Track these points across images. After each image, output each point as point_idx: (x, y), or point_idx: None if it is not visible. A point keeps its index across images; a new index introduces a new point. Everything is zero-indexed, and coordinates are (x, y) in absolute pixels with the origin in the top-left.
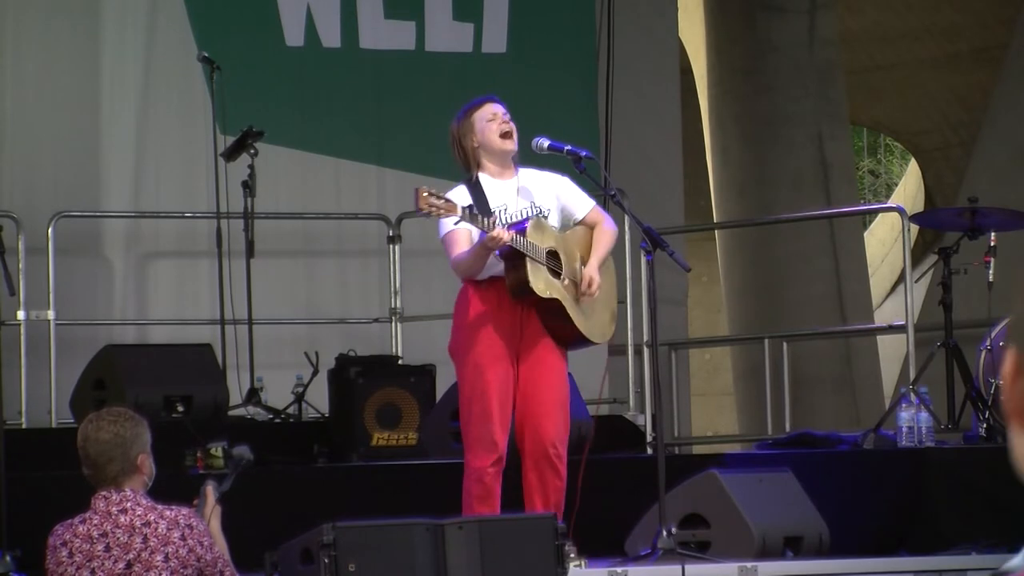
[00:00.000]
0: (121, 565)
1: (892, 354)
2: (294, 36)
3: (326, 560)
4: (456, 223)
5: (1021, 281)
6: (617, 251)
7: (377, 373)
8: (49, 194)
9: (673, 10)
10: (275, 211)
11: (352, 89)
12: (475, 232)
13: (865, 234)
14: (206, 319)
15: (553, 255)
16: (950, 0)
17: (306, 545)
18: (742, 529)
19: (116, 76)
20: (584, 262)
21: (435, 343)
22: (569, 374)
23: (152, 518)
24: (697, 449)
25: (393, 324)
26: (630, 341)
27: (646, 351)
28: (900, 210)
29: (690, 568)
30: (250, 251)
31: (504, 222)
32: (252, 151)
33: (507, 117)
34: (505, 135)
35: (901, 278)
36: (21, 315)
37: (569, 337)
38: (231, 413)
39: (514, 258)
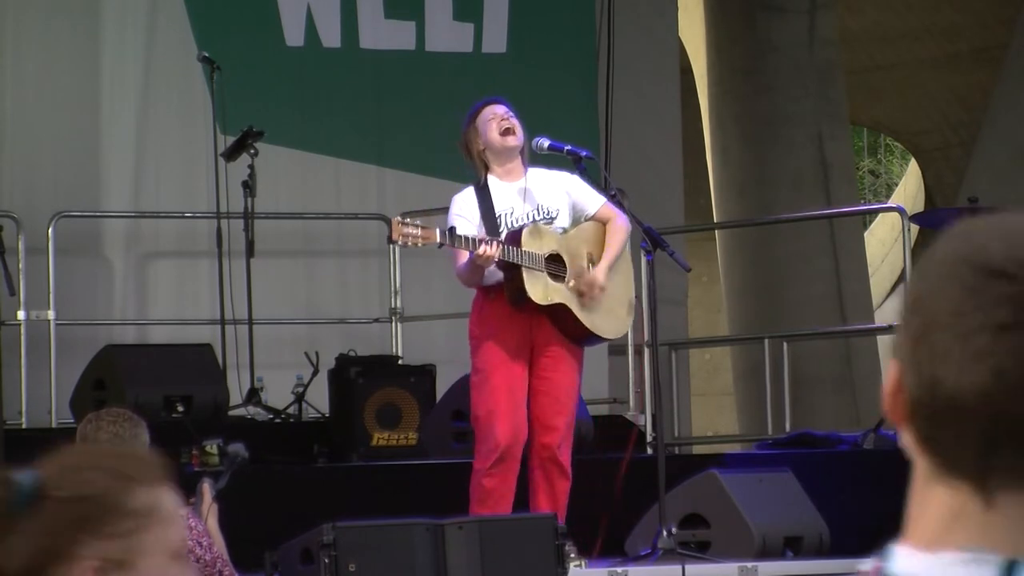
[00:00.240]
0: None
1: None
2: (294, 36)
3: (326, 560)
4: (439, 246)
5: (912, 294)
6: None
7: (377, 373)
8: (49, 194)
9: (673, 10)
10: (275, 211)
11: (352, 89)
12: (482, 232)
13: (865, 234)
14: (206, 319)
15: (555, 258)
16: (950, 0)
17: (306, 545)
18: (742, 529)
19: (116, 76)
20: (593, 259)
21: (435, 343)
22: None
23: None
24: (697, 449)
25: (393, 324)
26: (630, 341)
27: (646, 351)
28: (900, 210)
29: (690, 568)
30: (250, 251)
31: (510, 226)
32: (252, 151)
33: (508, 115)
34: (505, 132)
35: (901, 278)
36: (21, 315)
37: (582, 336)
38: (231, 413)
39: (510, 269)
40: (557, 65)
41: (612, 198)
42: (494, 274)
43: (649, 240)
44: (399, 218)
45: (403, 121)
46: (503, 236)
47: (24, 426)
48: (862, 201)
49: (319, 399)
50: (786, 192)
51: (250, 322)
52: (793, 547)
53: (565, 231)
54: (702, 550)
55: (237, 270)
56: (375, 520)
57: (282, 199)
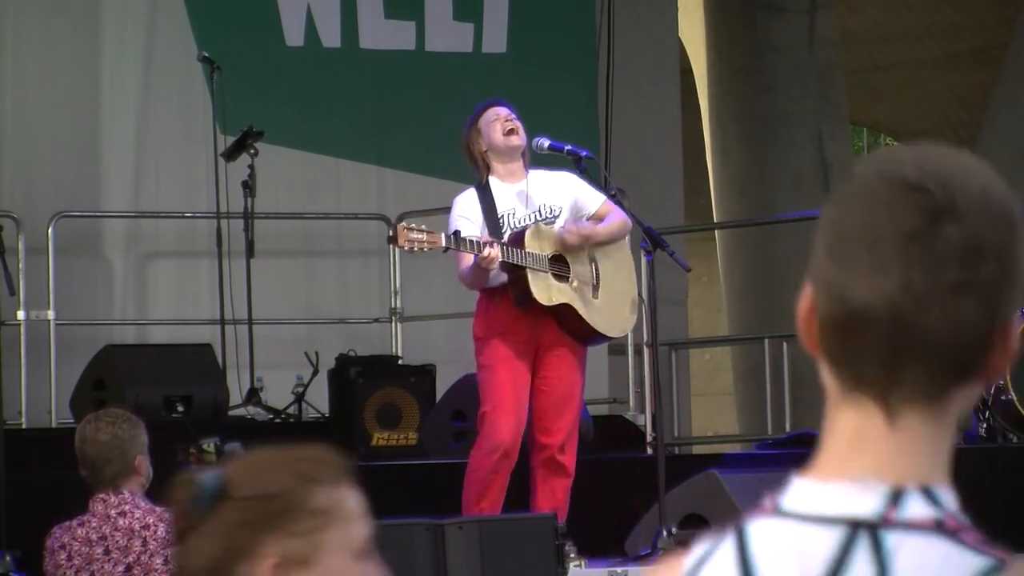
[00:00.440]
0: (121, 568)
1: None
2: (294, 36)
3: None
4: (444, 251)
5: (827, 212)
6: None
7: (377, 373)
8: (49, 194)
9: (673, 10)
10: (275, 211)
11: (352, 89)
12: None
13: None
14: (206, 319)
15: (558, 259)
16: (950, 0)
17: None
18: None
19: (116, 76)
20: (594, 258)
21: (435, 343)
22: None
23: (151, 520)
24: (697, 449)
25: (393, 324)
26: (630, 341)
27: (646, 351)
28: None
29: None
30: (250, 251)
31: (512, 227)
32: (252, 151)
33: (511, 117)
34: (509, 132)
35: None
36: (21, 315)
37: (586, 335)
38: (231, 413)
39: (514, 271)
40: (557, 65)
41: (612, 198)
42: (498, 276)
43: (649, 240)
44: (404, 224)
45: (403, 121)
46: (506, 237)
47: (24, 426)
48: None
49: (319, 399)
50: (786, 192)
51: (250, 322)
52: None
53: None
54: None
55: (237, 270)
56: (375, 520)
57: (282, 199)
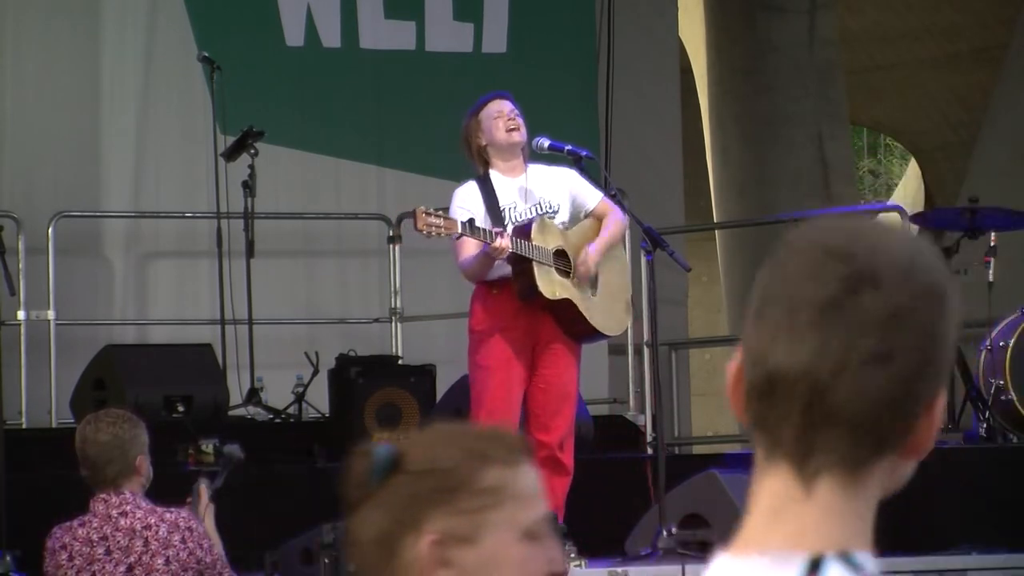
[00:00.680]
0: (122, 568)
1: None
2: (294, 36)
3: (326, 560)
4: (457, 238)
5: (759, 278)
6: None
7: (377, 373)
8: (49, 194)
9: (673, 10)
10: (275, 211)
11: (352, 89)
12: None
13: None
14: (206, 319)
15: (560, 254)
16: (950, 0)
17: (306, 545)
18: None
19: (116, 76)
20: None
21: (435, 343)
22: None
23: (152, 521)
24: (697, 449)
25: (393, 324)
26: (630, 341)
27: (646, 351)
28: (900, 210)
29: (690, 568)
30: (250, 251)
31: (513, 220)
32: (252, 151)
33: (513, 113)
34: (511, 130)
35: None
36: (21, 315)
37: (583, 333)
38: (231, 413)
39: (520, 263)
40: (557, 65)
41: (612, 198)
42: (499, 268)
43: (649, 240)
44: (423, 208)
45: (403, 121)
46: (510, 229)
47: (24, 426)
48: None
49: (319, 399)
50: (786, 192)
51: (250, 322)
52: None
53: (566, 227)
54: (702, 550)
55: (237, 270)
56: None
57: (282, 199)
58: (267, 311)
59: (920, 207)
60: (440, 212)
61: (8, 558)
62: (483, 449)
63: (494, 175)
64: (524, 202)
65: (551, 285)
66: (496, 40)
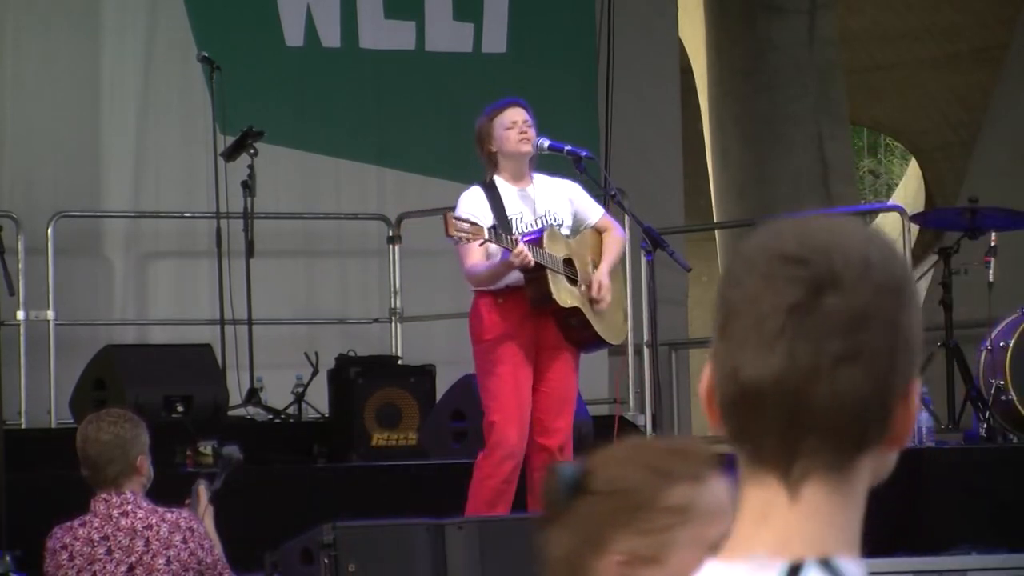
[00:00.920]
0: (123, 568)
1: None
2: (294, 36)
3: (326, 560)
4: (481, 244)
5: (719, 292)
6: None
7: (377, 373)
8: (49, 194)
9: (673, 10)
10: (275, 211)
11: (352, 89)
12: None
13: None
14: (206, 319)
15: (568, 263)
16: (950, 0)
17: (306, 545)
18: None
19: (116, 76)
20: (596, 265)
21: (435, 343)
22: None
23: (153, 521)
24: None
25: (393, 324)
26: (630, 341)
27: (646, 351)
28: (900, 210)
29: None
30: (250, 251)
31: (520, 230)
32: (252, 151)
33: (527, 125)
34: (521, 141)
35: None
36: (21, 315)
37: (587, 341)
38: (231, 413)
39: (535, 270)
40: (557, 65)
41: (612, 198)
42: (511, 275)
43: (649, 240)
44: (451, 214)
45: (403, 121)
46: (522, 238)
47: (24, 426)
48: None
49: (319, 399)
50: (786, 192)
51: (250, 322)
52: None
53: (569, 237)
54: None
55: (237, 270)
56: (375, 520)
57: (282, 199)
58: (267, 311)
59: (920, 207)
60: (467, 218)
61: (8, 558)
62: (668, 467)
63: (500, 183)
64: (531, 213)
65: (562, 293)
66: (496, 40)
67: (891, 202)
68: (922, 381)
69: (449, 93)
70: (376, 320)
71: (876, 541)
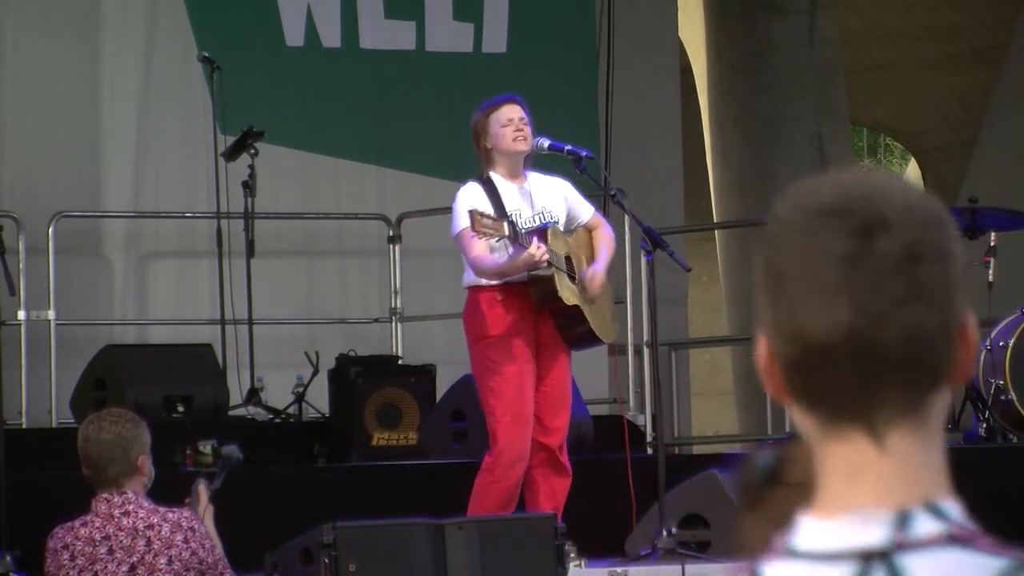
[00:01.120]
0: (124, 568)
1: None
2: (294, 36)
3: (326, 560)
4: (498, 240)
5: (760, 261)
6: (617, 251)
7: (377, 373)
8: (49, 194)
9: (673, 10)
10: (275, 211)
11: (352, 89)
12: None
13: None
14: (206, 319)
15: (567, 261)
16: (950, 0)
17: (306, 545)
18: None
19: (116, 76)
20: (590, 263)
21: (435, 343)
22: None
23: (155, 521)
24: (697, 449)
25: (393, 324)
26: (630, 341)
27: (646, 351)
28: None
29: (690, 568)
30: (250, 251)
31: (520, 226)
32: (252, 151)
33: (523, 123)
34: (517, 139)
35: None
36: (21, 315)
37: (583, 339)
38: (231, 413)
39: (543, 268)
40: (557, 65)
41: (612, 198)
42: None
43: (649, 240)
44: (475, 210)
45: (403, 121)
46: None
47: (24, 426)
48: None
49: (319, 399)
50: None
51: (250, 322)
52: None
53: (567, 235)
54: (702, 550)
55: (237, 270)
56: (375, 520)
57: (282, 199)
58: (267, 311)
59: None
60: (489, 215)
61: (8, 558)
62: None
63: (497, 179)
64: (528, 209)
65: (566, 291)
66: (496, 40)
67: None
68: None
69: (449, 93)
70: (376, 320)
71: None
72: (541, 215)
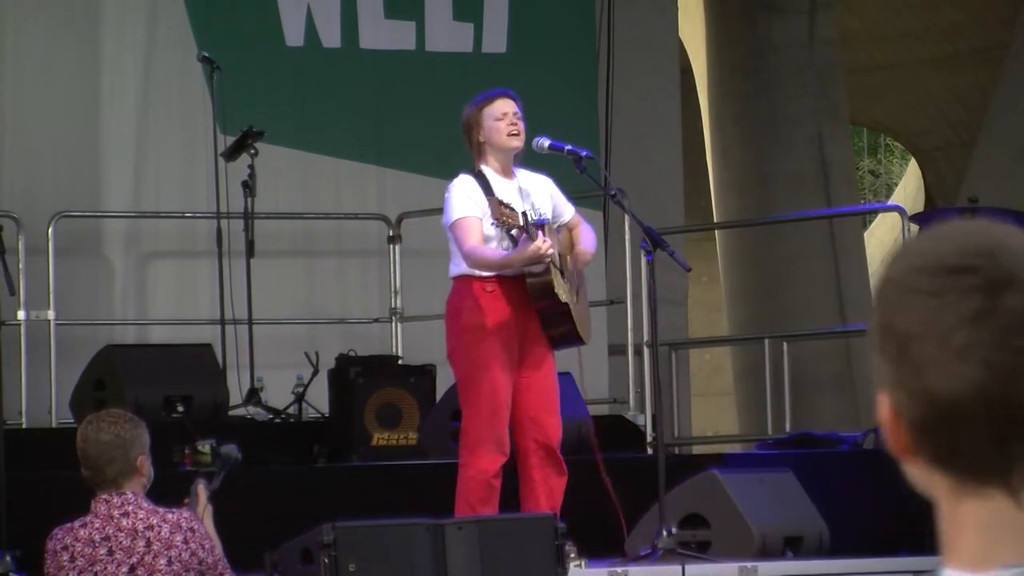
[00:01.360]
0: (124, 569)
1: None
2: (294, 36)
3: (326, 560)
4: (511, 231)
5: (877, 323)
6: (617, 251)
7: (377, 373)
8: (49, 194)
9: (673, 10)
10: (275, 211)
11: (352, 89)
12: (487, 221)
13: (865, 234)
14: (206, 319)
15: (561, 258)
16: (950, 0)
17: (306, 545)
18: (742, 529)
19: (116, 76)
20: (572, 263)
21: (435, 343)
22: (569, 374)
23: (154, 521)
24: (697, 449)
25: (393, 324)
26: (630, 341)
27: (646, 351)
28: (900, 210)
29: (690, 568)
30: (250, 251)
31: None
32: (252, 151)
33: (517, 117)
34: (512, 135)
35: None
36: (21, 315)
37: (565, 338)
38: (231, 413)
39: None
40: (557, 65)
41: (612, 198)
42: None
43: (649, 240)
44: (494, 199)
45: (403, 121)
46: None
47: (24, 426)
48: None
49: (319, 399)
50: (786, 192)
51: (250, 322)
52: (793, 547)
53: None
54: (702, 550)
55: (237, 270)
56: (375, 520)
57: (282, 199)
58: (267, 311)
59: (920, 207)
60: (508, 204)
61: (8, 558)
62: None
63: (489, 173)
64: (520, 204)
65: (559, 288)
66: (496, 40)
67: (891, 202)
68: None
69: (449, 93)
70: (376, 320)
71: (876, 541)
72: (532, 211)
